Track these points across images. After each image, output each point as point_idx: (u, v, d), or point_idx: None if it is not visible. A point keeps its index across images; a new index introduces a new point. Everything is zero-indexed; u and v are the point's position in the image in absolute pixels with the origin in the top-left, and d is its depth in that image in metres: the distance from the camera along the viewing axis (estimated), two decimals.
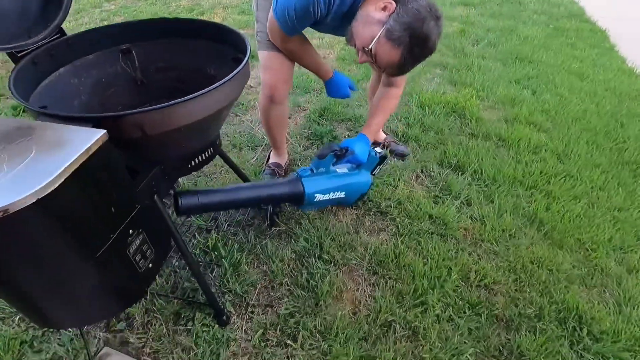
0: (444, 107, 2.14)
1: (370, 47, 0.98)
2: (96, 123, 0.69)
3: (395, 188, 1.60)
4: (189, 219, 1.42)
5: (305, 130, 1.97)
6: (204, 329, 1.09)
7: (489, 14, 3.80)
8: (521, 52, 2.88)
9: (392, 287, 1.23)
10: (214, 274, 1.23)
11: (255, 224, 1.43)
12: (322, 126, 1.98)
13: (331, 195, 1.21)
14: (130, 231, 0.77)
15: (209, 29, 1.10)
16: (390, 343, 1.08)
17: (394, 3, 0.95)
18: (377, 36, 0.95)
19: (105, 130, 0.66)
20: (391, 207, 1.50)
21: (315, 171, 1.21)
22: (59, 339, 1.06)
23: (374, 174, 1.40)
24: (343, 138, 1.92)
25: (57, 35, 1.00)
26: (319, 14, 1.06)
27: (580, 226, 1.45)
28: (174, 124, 0.80)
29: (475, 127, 1.99)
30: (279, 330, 1.10)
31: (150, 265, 0.86)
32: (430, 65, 2.70)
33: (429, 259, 1.30)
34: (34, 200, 0.54)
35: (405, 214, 1.48)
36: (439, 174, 1.68)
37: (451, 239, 1.39)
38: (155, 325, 1.11)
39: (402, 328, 1.12)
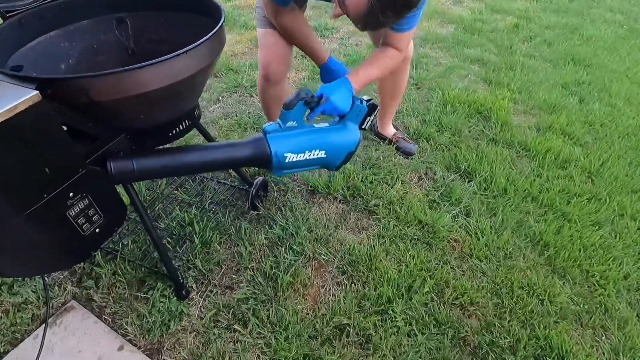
0: (468, 107, 1.96)
1: None
2: (40, 84, 0.71)
3: (391, 187, 1.51)
4: (176, 191, 1.45)
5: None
6: (161, 299, 1.12)
7: (553, 9, 3.41)
8: (579, 54, 2.56)
9: (357, 289, 1.16)
10: (183, 248, 1.25)
11: (238, 205, 1.43)
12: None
13: (307, 155, 1.02)
14: (71, 194, 0.79)
15: (195, 2, 1.08)
16: (339, 346, 1.03)
17: None
18: None
19: (37, 92, 0.66)
20: (380, 206, 1.41)
21: (283, 126, 1.00)
22: (35, 286, 1.15)
23: (364, 128, 1.17)
24: None
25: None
26: None
27: (592, 257, 1.26)
28: (124, 92, 0.79)
29: (499, 132, 1.81)
30: (231, 314, 1.10)
31: (97, 230, 0.88)
32: (468, 60, 2.49)
33: (404, 266, 1.21)
34: None
35: (394, 216, 1.39)
36: (443, 178, 1.56)
37: (436, 249, 1.28)
38: (119, 288, 1.15)
39: (356, 334, 1.06)
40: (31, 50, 0.98)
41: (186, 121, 1.10)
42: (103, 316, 1.11)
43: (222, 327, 1.07)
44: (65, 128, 0.84)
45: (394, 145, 1.72)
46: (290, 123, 1.00)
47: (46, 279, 1.10)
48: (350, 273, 1.21)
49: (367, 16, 0.84)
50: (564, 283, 1.19)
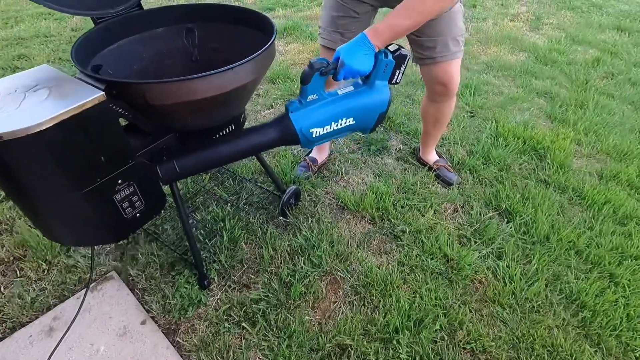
0: (523, 143, 1.85)
1: None
2: (109, 85, 0.83)
3: (422, 215, 1.48)
4: (217, 187, 1.57)
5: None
6: (185, 285, 1.22)
7: None
8: None
9: (367, 313, 1.16)
10: (212, 241, 1.35)
11: (270, 209, 1.50)
12: (375, 132, 1.93)
13: (335, 126, 1.00)
14: (120, 181, 0.91)
15: (254, 17, 1.17)
16: None
17: None
18: None
19: (102, 92, 0.78)
20: (406, 233, 1.40)
21: (304, 102, 0.99)
22: (87, 253, 1.31)
23: (395, 82, 1.03)
24: (394, 151, 1.84)
25: (136, 8, 1.19)
26: None
27: (636, 329, 1.13)
28: (173, 99, 0.89)
29: (554, 174, 1.68)
30: (243, 312, 1.16)
31: (137, 215, 0.99)
32: (534, 92, 2.35)
33: (419, 298, 1.18)
34: (23, 135, 0.69)
35: (419, 244, 1.37)
36: (480, 214, 1.49)
37: (457, 287, 1.23)
38: (152, 268, 1.28)
39: (357, 356, 1.06)
40: (112, 52, 1.13)
41: (232, 126, 1.20)
42: (135, 290, 1.24)
43: (232, 322, 1.14)
44: (126, 123, 0.97)
45: (434, 173, 1.68)
46: (311, 97, 0.98)
47: (95, 248, 1.26)
48: (363, 295, 1.21)
49: None
50: (595, 351, 1.08)
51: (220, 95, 0.94)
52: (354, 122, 1.01)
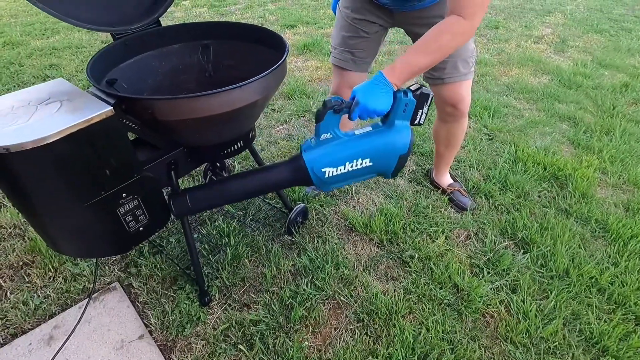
0: (543, 169, 1.77)
1: None
2: (117, 100, 0.84)
3: (433, 241, 1.42)
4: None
5: None
6: (185, 301, 1.20)
7: None
8: None
9: (369, 342, 1.11)
10: (216, 257, 1.33)
11: (276, 226, 1.48)
12: None
13: (350, 167, 0.95)
14: (124, 194, 0.91)
15: (267, 36, 1.18)
16: None
17: None
18: None
19: (111, 107, 0.79)
20: (415, 259, 1.34)
21: (317, 141, 0.95)
22: (92, 262, 1.32)
23: (419, 123, 0.96)
24: (407, 172, 1.80)
25: (154, 25, 1.22)
26: None
27: None
28: (181, 115, 0.90)
29: (576, 204, 1.60)
30: (241, 333, 1.13)
31: (141, 229, 0.99)
32: (556, 116, 2.27)
33: (425, 331, 1.12)
34: (30, 148, 0.70)
35: (428, 272, 1.31)
36: (494, 242, 1.42)
37: (467, 320, 1.17)
38: (154, 281, 1.27)
39: None
40: (128, 66, 1.16)
41: (240, 142, 1.20)
42: (136, 302, 1.23)
43: (229, 343, 1.11)
44: (135, 137, 0.98)
45: (448, 197, 1.62)
46: (325, 135, 0.94)
47: (99, 259, 1.26)
48: (366, 322, 1.16)
49: None
50: None
51: (228, 112, 0.94)
52: (372, 163, 0.96)
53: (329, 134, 0.94)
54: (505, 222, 1.51)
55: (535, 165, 1.79)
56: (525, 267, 1.33)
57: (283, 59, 1.02)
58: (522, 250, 1.40)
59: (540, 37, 3.67)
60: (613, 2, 5.19)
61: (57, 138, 0.72)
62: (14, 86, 2.61)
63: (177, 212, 1.04)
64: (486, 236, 1.45)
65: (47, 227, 0.90)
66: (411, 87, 0.94)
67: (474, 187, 1.69)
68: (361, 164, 0.94)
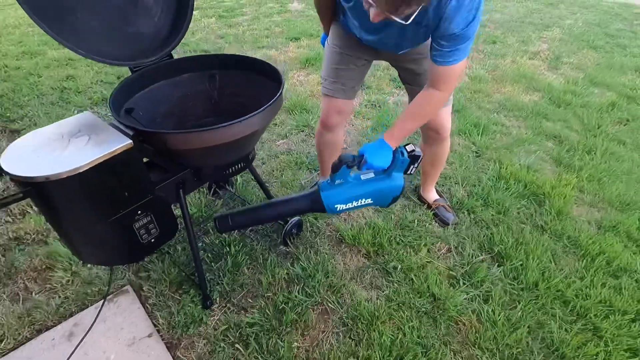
0: (524, 187, 1.90)
1: None
2: (135, 133, 0.99)
3: (416, 253, 1.56)
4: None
5: None
6: (189, 304, 1.35)
7: None
8: None
9: (351, 345, 1.24)
10: (217, 265, 1.48)
11: (273, 237, 1.62)
12: None
13: (356, 203, 1.22)
14: (139, 212, 1.06)
15: (267, 68, 1.33)
16: None
17: None
18: None
19: (130, 141, 0.94)
20: (397, 269, 1.48)
21: (332, 184, 1.22)
22: (105, 267, 1.47)
23: (410, 173, 1.26)
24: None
25: (167, 58, 1.38)
26: None
27: None
28: (190, 146, 1.05)
29: (551, 221, 1.72)
30: (238, 333, 1.27)
31: (152, 240, 1.14)
32: (543, 135, 2.39)
33: (402, 335, 1.25)
34: (64, 177, 0.85)
35: (409, 282, 1.44)
36: (472, 256, 1.55)
37: (441, 327, 1.30)
38: (162, 285, 1.42)
39: None
40: (143, 95, 1.31)
41: (241, 163, 1.34)
42: (146, 304, 1.37)
43: (228, 342, 1.25)
44: (147, 160, 1.13)
45: (433, 211, 1.76)
46: (338, 181, 1.20)
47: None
48: (350, 327, 1.30)
49: None
50: None
51: (229, 142, 1.09)
52: (372, 201, 1.23)
53: (341, 180, 1.20)
54: (484, 236, 1.64)
55: (517, 182, 1.92)
56: (499, 280, 1.46)
57: (279, 93, 1.16)
58: (497, 264, 1.53)
59: (536, 53, 3.79)
60: (612, 16, 5.29)
61: (87, 168, 0.87)
62: (34, 97, 2.79)
63: (220, 229, 1.24)
64: (465, 250, 1.58)
65: (74, 240, 1.05)
66: (407, 147, 1.21)
67: (458, 202, 1.82)
68: (364, 201, 1.22)
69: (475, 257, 1.55)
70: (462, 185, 1.93)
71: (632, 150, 2.27)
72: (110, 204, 0.99)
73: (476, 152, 2.21)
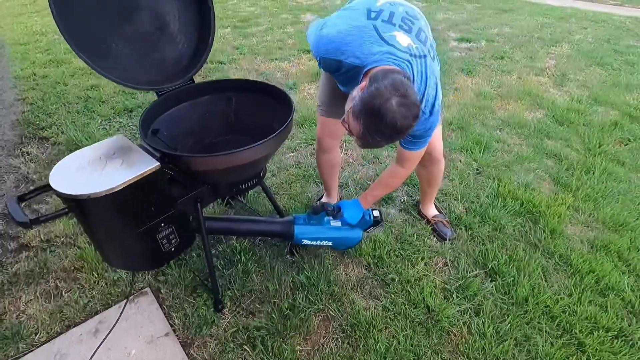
0: (520, 205, 1.99)
1: (345, 119, 1.07)
2: (161, 155, 1.13)
3: (413, 267, 1.66)
4: None
5: (368, 182, 2.16)
6: (203, 307, 1.47)
7: None
8: None
9: (349, 350, 1.35)
10: (229, 271, 1.61)
11: (281, 247, 1.74)
12: None
13: (318, 242, 1.51)
14: (162, 224, 1.20)
15: (279, 93, 1.46)
16: None
17: (366, 82, 1.02)
18: (348, 110, 1.05)
19: (158, 163, 1.08)
20: (395, 281, 1.58)
21: (307, 221, 1.50)
22: (128, 271, 1.61)
23: (368, 232, 1.60)
24: (399, 202, 2.04)
25: (189, 82, 1.52)
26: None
27: None
28: (210, 167, 1.18)
29: (544, 239, 1.81)
30: (246, 336, 1.39)
31: (172, 249, 1.27)
32: (543, 153, 2.47)
33: (396, 343, 1.36)
34: (103, 195, 0.98)
35: (405, 293, 1.55)
36: (466, 270, 1.65)
37: (433, 337, 1.40)
38: (178, 288, 1.55)
39: None
40: (167, 116, 1.45)
41: (254, 180, 1.47)
42: (163, 305, 1.51)
43: (237, 344, 1.37)
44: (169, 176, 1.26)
45: (431, 226, 1.86)
46: (313, 221, 1.51)
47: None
48: (349, 333, 1.41)
49: (362, 138, 1.03)
50: None
51: (245, 164, 1.22)
52: (331, 244, 1.53)
53: (315, 221, 1.51)
54: (479, 252, 1.73)
55: (514, 200, 2.01)
56: (490, 294, 1.55)
57: (289, 119, 1.29)
58: (490, 279, 1.62)
59: (543, 69, 3.85)
60: (623, 32, 5.31)
61: (121, 187, 1.01)
62: (61, 105, 2.98)
63: (194, 229, 1.39)
64: (460, 264, 1.67)
65: (105, 247, 1.19)
66: (374, 212, 1.56)
67: (456, 218, 1.92)
68: (325, 243, 1.51)
69: (470, 272, 1.64)
70: (461, 202, 2.02)
71: (630, 170, 2.34)
72: (138, 218, 1.12)
73: (477, 170, 2.30)
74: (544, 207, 1.96)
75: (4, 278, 1.57)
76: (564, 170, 2.30)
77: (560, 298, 1.54)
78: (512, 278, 1.60)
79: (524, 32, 5.08)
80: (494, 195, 2.06)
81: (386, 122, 0.96)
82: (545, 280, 1.62)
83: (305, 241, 1.47)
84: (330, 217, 1.52)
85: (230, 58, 3.99)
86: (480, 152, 2.43)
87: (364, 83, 1.04)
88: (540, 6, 6.62)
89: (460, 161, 2.36)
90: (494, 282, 1.60)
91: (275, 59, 3.98)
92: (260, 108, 1.56)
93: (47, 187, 1.02)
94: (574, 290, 1.57)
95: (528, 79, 3.60)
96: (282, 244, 1.75)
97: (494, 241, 1.79)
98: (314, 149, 2.47)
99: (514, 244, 1.78)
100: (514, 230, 1.86)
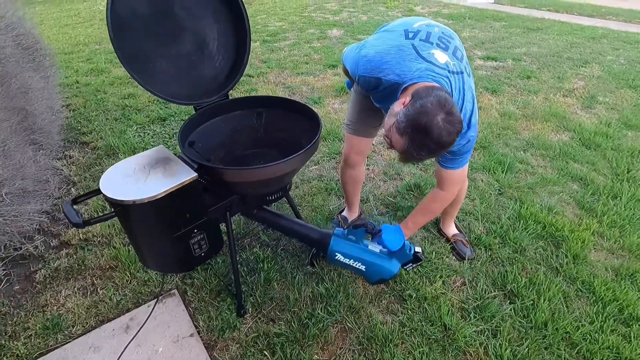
0: (542, 228, 1.98)
1: (387, 135, 1.12)
2: (198, 166, 1.22)
3: (432, 284, 1.68)
4: (261, 232, 1.92)
5: (389, 198, 2.21)
6: (226, 311, 1.55)
7: None
8: None
9: None
10: (252, 278, 1.68)
11: (302, 257, 1.80)
12: (406, 200, 2.18)
13: (352, 262, 1.39)
14: (195, 230, 1.28)
15: (307, 111, 1.53)
16: None
17: (409, 98, 1.06)
18: (391, 125, 1.08)
19: (196, 174, 1.17)
20: (412, 297, 1.61)
21: (345, 236, 1.43)
22: (158, 272, 1.71)
23: (405, 269, 1.45)
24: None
25: (224, 98, 1.62)
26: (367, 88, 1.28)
27: None
28: (241, 179, 1.26)
29: (567, 264, 1.79)
30: (266, 342, 1.45)
31: (202, 254, 1.36)
32: (568, 176, 2.44)
33: (412, 359, 1.38)
34: (146, 201, 1.08)
35: (422, 310, 1.57)
36: (485, 291, 1.65)
37: (449, 355, 1.41)
38: (203, 292, 1.63)
39: None
40: (203, 129, 1.56)
41: (280, 192, 1.55)
42: (189, 307, 1.59)
43: (257, 349, 1.43)
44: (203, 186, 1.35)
45: (450, 245, 1.88)
46: (351, 237, 1.41)
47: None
48: (365, 346, 1.44)
49: (406, 152, 1.06)
50: None
51: (272, 178, 1.29)
52: (364, 270, 1.39)
53: (353, 237, 1.41)
54: (498, 273, 1.73)
55: (536, 223, 2.00)
56: (509, 316, 1.55)
57: (317, 137, 1.36)
58: (508, 301, 1.62)
59: (571, 91, 3.80)
60: None
61: (163, 195, 1.10)
62: (100, 112, 3.18)
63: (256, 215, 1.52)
64: (478, 284, 1.68)
65: (143, 250, 1.28)
66: (416, 248, 1.40)
67: (476, 238, 1.93)
68: (358, 265, 1.39)
69: (488, 293, 1.65)
70: (481, 222, 2.03)
71: None
72: (175, 223, 1.21)
73: (499, 190, 2.30)
74: (567, 231, 1.94)
75: (47, 272, 1.70)
76: (590, 195, 2.27)
77: (582, 325, 1.52)
78: (532, 301, 1.60)
79: (552, 51, 5.03)
80: (516, 217, 2.06)
81: (432, 137, 1.00)
82: (566, 306, 1.60)
83: (338, 256, 1.39)
84: (369, 242, 1.43)
85: (258, 71, 4.15)
86: (502, 173, 2.43)
87: (405, 99, 1.07)
88: (571, 25, 6.53)
89: (481, 181, 2.36)
90: (512, 305, 1.60)
91: (302, 73, 4.11)
92: (289, 124, 1.64)
93: (97, 192, 1.13)
94: (596, 318, 1.55)
95: (555, 100, 3.56)
96: (303, 254, 1.81)
97: (514, 263, 1.79)
98: (336, 162, 2.54)
99: (535, 267, 1.78)
100: (534, 254, 1.86)
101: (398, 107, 1.08)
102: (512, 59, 4.64)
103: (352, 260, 1.39)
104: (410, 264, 1.42)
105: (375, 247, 1.40)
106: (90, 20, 6.78)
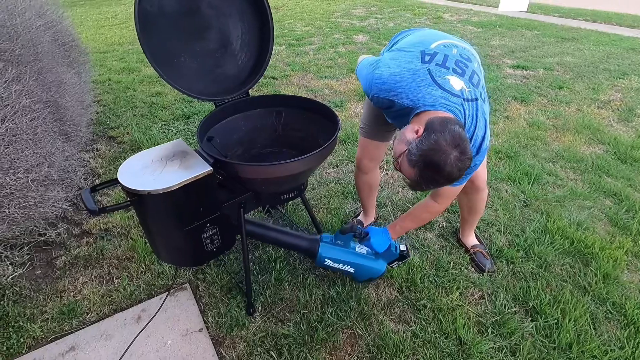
0: (570, 244, 1.86)
1: (397, 159, 1.12)
2: (214, 161, 1.22)
3: (448, 294, 1.62)
4: None
5: (407, 204, 2.15)
6: (235, 308, 1.54)
7: None
8: None
9: None
10: (263, 277, 1.66)
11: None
12: None
13: (340, 266, 1.49)
14: (208, 225, 1.28)
15: (326, 110, 1.51)
16: None
17: (422, 129, 1.05)
18: (402, 153, 1.08)
19: (211, 168, 1.17)
20: (426, 308, 1.55)
21: (333, 241, 1.50)
22: (172, 265, 1.72)
23: (392, 267, 1.55)
24: (437, 227, 2.00)
25: (244, 95, 1.63)
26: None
27: None
28: (256, 175, 1.25)
29: (596, 283, 1.67)
30: (274, 342, 1.43)
31: (214, 249, 1.36)
32: (601, 191, 2.31)
33: None
34: (161, 192, 1.08)
35: (437, 322, 1.50)
36: (505, 306, 1.57)
37: None
38: (214, 287, 1.63)
39: None
40: (222, 125, 1.57)
41: (294, 192, 1.53)
42: (199, 302, 1.59)
43: (264, 348, 1.41)
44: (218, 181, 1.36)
45: (470, 256, 1.80)
46: (339, 242, 1.50)
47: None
48: (375, 354, 1.39)
49: (415, 183, 1.08)
50: None
51: (287, 176, 1.28)
52: (353, 271, 1.50)
53: (341, 242, 1.50)
54: (520, 288, 1.64)
55: (563, 238, 1.89)
56: (530, 334, 1.47)
57: (334, 136, 1.34)
58: (530, 318, 1.53)
59: (607, 102, 3.62)
60: None
61: (178, 187, 1.11)
62: (129, 109, 3.29)
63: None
64: (498, 299, 1.60)
65: (157, 241, 1.29)
66: (400, 245, 1.51)
67: (497, 250, 1.84)
68: (347, 268, 1.49)
69: (508, 308, 1.56)
70: (503, 234, 1.94)
71: None
72: (188, 216, 1.22)
73: (524, 202, 2.20)
74: (597, 248, 1.82)
75: (67, 259, 1.75)
76: (624, 212, 2.13)
77: (610, 350, 1.41)
78: (556, 320, 1.50)
79: (588, 62, 4.81)
80: (541, 231, 1.95)
81: (443, 174, 1.02)
82: (594, 328, 1.50)
83: (327, 262, 1.46)
84: (356, 244, 1.51)
85: (282, 74, 4.19)
86: (529, 184, 2.32)
87: (418, 128, 1.06)
88: (609, 35, 6.24)
89: (506, 191, 2.27)
90: (534, 322, 1.51)
91: (325, 76, 4.12)
92: (307, 124, 1.63)
93: (115, 181, 1.15)
94: (627, 343, 1.44)
95: (589, 112, 3.40)
96: None
97: (538, 279, 1.69)
98: (354, 166, 2.50)
99: (561, 285, 1.67)
100: (561, 270, 1.75)
101: (410, 135, 1.07)
102: (543, 69, 4.47)
103: (340, 264, 1.48)
104: (397, 262, 1.54)
105: (362, 249, 1.51)
106: (126, 22, 7.07)
